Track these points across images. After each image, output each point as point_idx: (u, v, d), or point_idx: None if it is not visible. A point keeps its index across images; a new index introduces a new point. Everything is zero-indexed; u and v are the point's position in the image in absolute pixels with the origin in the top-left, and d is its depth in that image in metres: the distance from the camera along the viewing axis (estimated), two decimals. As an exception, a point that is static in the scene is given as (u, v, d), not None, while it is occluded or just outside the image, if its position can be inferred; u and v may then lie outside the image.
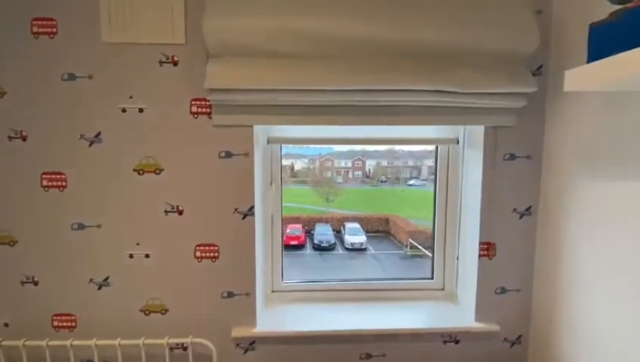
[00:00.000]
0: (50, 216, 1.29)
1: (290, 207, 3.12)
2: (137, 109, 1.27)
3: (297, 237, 2.96)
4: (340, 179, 3.23)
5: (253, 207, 1.31)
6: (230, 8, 1.16)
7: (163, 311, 1.34)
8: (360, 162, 3.23)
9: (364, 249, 2.97)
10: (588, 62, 0.88)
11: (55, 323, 1.34)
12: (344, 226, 3.07)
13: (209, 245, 1.32)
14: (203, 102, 1.27)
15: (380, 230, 3.12)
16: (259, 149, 1.39)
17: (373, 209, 3.31)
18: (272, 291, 1.57)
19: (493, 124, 1.32)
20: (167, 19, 1.24)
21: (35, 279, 1.32)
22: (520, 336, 1.43)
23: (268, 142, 1.47)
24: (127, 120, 1.27)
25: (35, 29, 1.23)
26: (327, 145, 3.19)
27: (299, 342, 1.37)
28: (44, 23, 1.23)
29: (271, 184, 1.52)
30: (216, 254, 1.33)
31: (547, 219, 1.33)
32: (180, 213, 1.31)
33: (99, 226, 1.30)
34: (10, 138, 1.25)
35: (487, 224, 1.36)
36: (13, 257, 1.30)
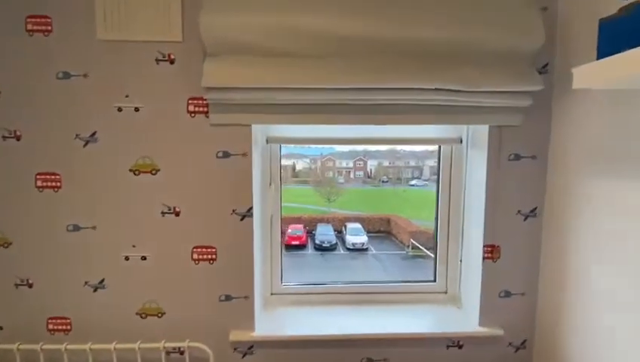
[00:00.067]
0: (45, 217, 1.27)
1: (291, 207, 3.11)
2: (133, 108, 1.24)
3: (299, 238, 2.95)
4: (341, 179, 3.22)
5: (251, 208, 1.29)
6: (228, 5, 1.13)
7: (159, 315, 1.32)
8: (361, 162, 3.21)
9: (366, 249, 2.97)
10: (597, 58, 0.85)
11: (50, 327, 1.32)
12: (345, 226, 3.06)
13: (206, 247, 1.30)
14: (200, 101, 1.24)
15: (381, 230, 3.11)
16: (257, 149, 1.37)
17: (375, 209, 3.30)
18: (271, 294, 1.54)
19: (498, 124, 1.29)
20: (163, 16, 1.22)
21: (30, 281, 1.29)
22: (525, 341, 1.40)
23: (267, 141, 1.44)
24: (123, 119, 1.24)
25: (29, 27, 1.20)
26: (328, 145, 3.19)
27: (298, 346, 1.35)
28: (39, 20, 1.20)
29: (270, 184, 1.49)
30: (213, 256, 1.30)
31: (553, 221, 1.29)
32: (177, 214, 1.28)
33: (94, 228, 1.27)
34: (4, 138, 1.23)
35: (491, 226, 1.33)
36: (7, 259, 1.28)
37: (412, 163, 3.05)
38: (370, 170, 3.22)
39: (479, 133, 1.36)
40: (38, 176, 1.25)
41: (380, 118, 1.26)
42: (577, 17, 1.17)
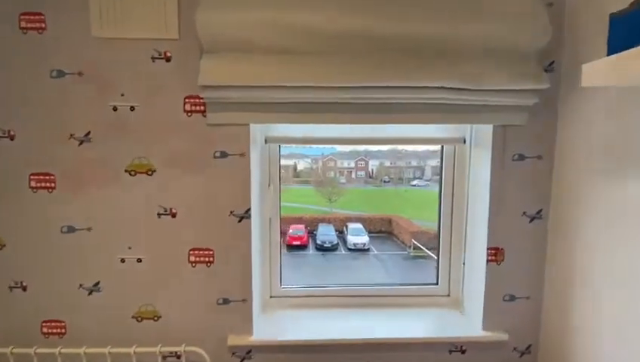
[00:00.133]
0: (39, 219, 1.25)
1: (292, 207, 3.11)
2: (129, 107, 1.21)
3: (300, 238, 2.96)
4: (342, 180, 3.21)
5: (249, 210, 1.26)
6: (225, 2, 1.11)
7: (155, 318, 1.29)
8: (363, 162, 3.21)
9: (367, 249, 2.97)
10: (608, 54, 0.82)
11: (44, 330, 1.29)
12: (347, 227, 3.07)
13: (203, 249, 1.27)
14: (197, 100, 1.21)
15: (382, 230, 3.11)
16: (256, 149, 1.34)
17: (376, 209, 3.29)
18: (271, 296, 1.51)
19: (503, 123, 1.25)
20: (159, 13, 1.19)
21: (24, 284, 1.27)
22: (530, 346, 1.36)
23: (266, 141, 1.41)
24: (118, 118, 1.22)
25: (23, 24, 1.18)
26: (329, 146, 3.18)
27: (297, 350, 1.32)
28: (33, 17, 1.18)
29: (269, 185, 1.46)
30: (211, 259, 1.27)
31: (559, 223, 1.26)
32: (174, 215, 1.25)
33: (89, 229, 1.25)
34: (-3, 137, 1.21)
35: (495, 228, 1.30)
36: (0, 261, 1.25)
37: (414, 163, 3.04)
38: (372, 170, 3.21)
39: (483, 132, 1.33)
40: (32, 177, 1.23)
41: (382, 118, 1.23)
42: (585, 13, 1.13)
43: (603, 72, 0.79)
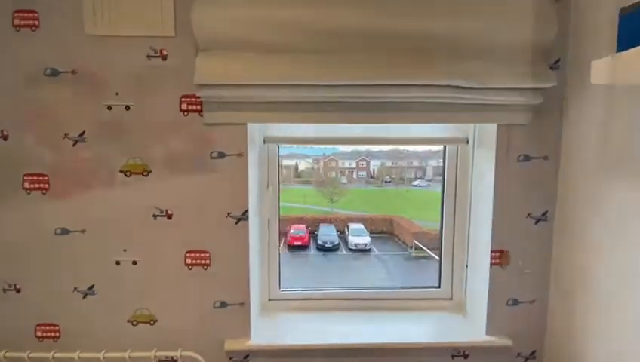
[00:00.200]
0: (33, 220, 1.22)
1: (294, 208, 3.10)
2: (124, 106, 1.19)
3: (301, 238, 2.96)
4: (344, 180, 3.21)
5: (247, 211, 1.23)
6: (221, -2, 1.08)
7: (151, 322, 1.26)
8: (364, 162, 3.20)
9: (368, 250, 2.95)
10: (617, 51, 0.79)
11: (38, 333, 1.27)
12: (348, 227, 3.07)
13: (200, 251, 1.24)
14: (193, 99, 1.18)
15: (384, 231, 3.10)
16: (254, 149, 1.31)
17: (378, 209, 3.28)
18: (269, 299, 1.48)
19: (507, 122, 1.22)
20: (155, 10, 1.16)
21: (18, 286, 1.24)
22: (534, 352, 1.33)
23: (264, 141, 1.38)
24: (113, 118, 1.19)
25: (16, 22, 1.15)
26: (331, 146, 3.17)
27: (296, 355, 1.28)
28: (26, 15, 1.15)
29: (268, 186, 1.43)
30: (207, 261, 1.25)
31: (565, 226, 1.23)
32: (169, 217, 1.23)
33: (83, 231, 1.22)
34: (-10, 137, 1.18)
35: (499, 230, 1.27)
36: (-6, 263, 1.23)
37: (415, 163, 3.02)
38: (373, 170, 3.21)
39: (487, 132, 1.30)
40: (25, 177, 1.20)
41: (383, 117, 1.20)
42: (593, 8, 1.10)
43: (613, 69, 0.76)
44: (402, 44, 1.10)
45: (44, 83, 1.17)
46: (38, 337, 1.27)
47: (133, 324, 1.26)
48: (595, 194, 1.10)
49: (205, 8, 1.08)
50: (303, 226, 3.00)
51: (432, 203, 1.58)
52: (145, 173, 1.21)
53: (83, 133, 1.19)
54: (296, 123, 1.28)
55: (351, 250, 2.95)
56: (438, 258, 1.54)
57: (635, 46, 0.73)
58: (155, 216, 1.23)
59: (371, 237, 3.01)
